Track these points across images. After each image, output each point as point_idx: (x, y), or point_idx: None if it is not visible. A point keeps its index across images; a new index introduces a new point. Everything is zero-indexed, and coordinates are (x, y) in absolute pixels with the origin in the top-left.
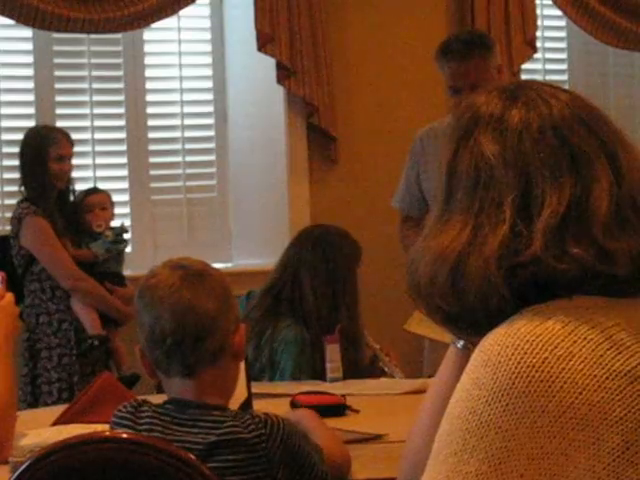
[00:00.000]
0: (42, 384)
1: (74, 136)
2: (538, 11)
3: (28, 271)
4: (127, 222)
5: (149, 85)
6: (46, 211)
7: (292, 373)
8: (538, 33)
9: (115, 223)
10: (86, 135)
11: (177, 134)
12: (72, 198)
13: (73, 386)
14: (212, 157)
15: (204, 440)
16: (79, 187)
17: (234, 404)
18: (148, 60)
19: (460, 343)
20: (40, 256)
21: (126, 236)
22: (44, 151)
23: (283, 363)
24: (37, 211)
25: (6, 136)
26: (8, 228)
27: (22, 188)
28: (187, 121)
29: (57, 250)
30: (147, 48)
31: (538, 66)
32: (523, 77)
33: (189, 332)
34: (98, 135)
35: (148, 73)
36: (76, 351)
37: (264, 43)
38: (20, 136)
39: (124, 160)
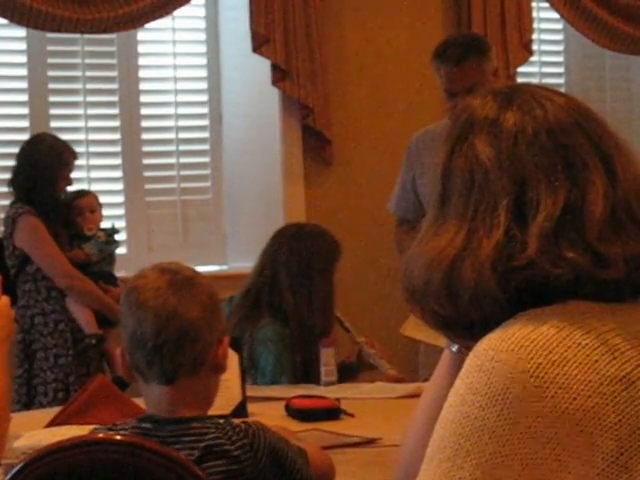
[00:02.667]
0: (38, 385)
1: (67, 136)
2: (535, 14)
3: (22, 272)
4: (121, 224)
5: (143, 86)
6: (41, 212)
7: (273, 372)
8: (535, 36)
9: (106, 224)
10: (80, 136)
11: (171, 135)
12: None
13: (69, 387)
14: (207, 159)
15: (189, 456)
16: (70, 188)
17: (228, 407)
18: (142, 61)
19: (454, 347)
20: (35, 256)
21: (117, 237)
22: (55, 171)
23: (263, 362)
24: (31, 211)
25: None
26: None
27: (10, 189)
28: (181, 122)
29: (52, 250)
30: (141, 49)
31: (535, 69)
32: (519, 80)
33: (170, 338)
34: (92, 136)
35: (142, 74)
36: (72, 351)
37: (259, 44)
38: (13, 136)
39: (118, 161)
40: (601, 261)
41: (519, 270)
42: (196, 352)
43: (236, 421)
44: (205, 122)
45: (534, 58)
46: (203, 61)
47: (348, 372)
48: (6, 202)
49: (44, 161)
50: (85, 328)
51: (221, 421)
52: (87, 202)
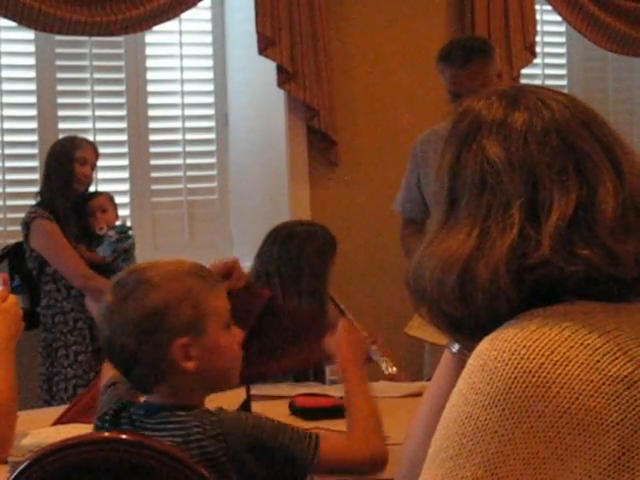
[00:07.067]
0: (59, 381)
1: None
2: (538, 16)
3: (42, 273)
4: (127, 224)
5: (150, 87)
6: (56, 214)
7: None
8: (538, 38)
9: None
10: (87, 137)
11: (178, 136)
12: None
13: (89, 383)
14: (213, 160)
15: (171, 443)
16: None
17: (232, 405)
18: (150, 63)
19: (455, 347)
20: (49, 258)
21: (131, 232)
22: (70, 154)
23: None
24: (44, 214)
25: (8, 138)
26: (10, 229)
27: (39, 192)
28: (188, 124)
29: (65, 251)
30: (149, 51)
31: (537, 71)
32: (522, 82)
33: (117, 363)
34: (99, 137)
35: (149, 76)
36: (91, 348)
37: (265, 46)
38: (21, 138)
39: (125, 162)
40: (613, 259)
41: (533, 268)
42: (145, 371)
43: (214, 411)
44: (211, 123)
45: (537, 60)
46: (209, 63)
47: None
48: (15, 202)
49: (56, 159)
50: None
51: (202, 411)
52: (98, 202)
